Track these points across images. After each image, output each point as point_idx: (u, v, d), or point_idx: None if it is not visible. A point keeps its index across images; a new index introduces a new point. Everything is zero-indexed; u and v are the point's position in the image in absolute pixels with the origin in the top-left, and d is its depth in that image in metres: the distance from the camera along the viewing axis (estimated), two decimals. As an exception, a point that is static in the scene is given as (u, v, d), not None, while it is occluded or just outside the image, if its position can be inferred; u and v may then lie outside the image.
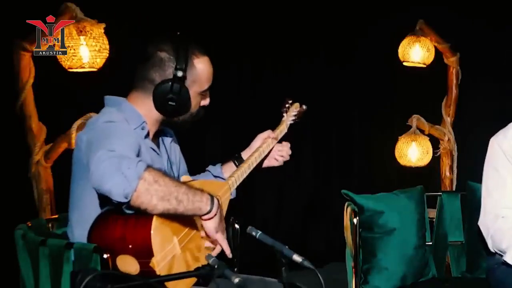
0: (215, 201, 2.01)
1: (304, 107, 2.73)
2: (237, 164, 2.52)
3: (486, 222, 2.79)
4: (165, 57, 2.15)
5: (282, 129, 2.64)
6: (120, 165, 1.81)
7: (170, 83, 2.13)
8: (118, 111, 2.14)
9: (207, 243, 2.15)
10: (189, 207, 1.93)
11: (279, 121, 2.70)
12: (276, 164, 2.63)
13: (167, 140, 2.36)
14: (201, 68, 2.21)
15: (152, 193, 1.84)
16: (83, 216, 2.06)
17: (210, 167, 2.56)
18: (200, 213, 1.99)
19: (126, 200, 1.82)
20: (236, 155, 2.56)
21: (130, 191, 1.81)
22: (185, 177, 2.17)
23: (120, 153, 1.85)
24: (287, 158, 2.63)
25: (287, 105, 2.69)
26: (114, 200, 1.83)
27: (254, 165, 2.49)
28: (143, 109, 2.18)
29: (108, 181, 1.80)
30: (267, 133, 2.58)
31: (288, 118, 2.67)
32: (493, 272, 2.79)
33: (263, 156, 2.54)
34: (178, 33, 2.23)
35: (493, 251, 2.76)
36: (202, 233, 2.12)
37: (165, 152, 2.32)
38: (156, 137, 2.31)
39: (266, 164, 2.62)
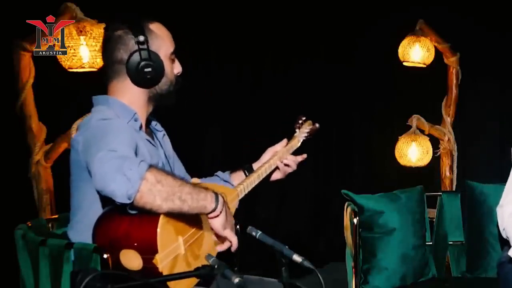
0: (220, 198, 2.01)
1: (317, 125, 2.74)
2: (247, 174, 2.52)
3: (503, 214, 2.79)
4: (121, 33, 2.15)
5: (294, 144, 2.64)
6: (122, 166, 1.81)
7: (137, 52, 2.13)
8: (108, 108, 2.14)
9: (219, 245, 2.16)
10: (193, 205, 1.94)
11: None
12: (279, 176, 2.61)
13: (159, 134, 2.36)
14: (158, 30, 2.20)
15: (155, 194, 1.85)
16: (86, 218, 2.05)
17: (219, 173, 2.56)
18: (206, 211, 1.99)
19: (129, 201, 1.82)
20: (247, 165, 2.56)
21: (133, 192, 1.81)
22: (194, 180, 2.17)
23: (122, 153, 1.85)
24: (294, 167, 2.61)
25: (300, 121, 2.70)
26: (118, 202, 1.83)
27: (264, 175, 2.50)
28: (127, 98, 2.18)
29: (111, 183, 1.80)
30: (278, 146, 2.59)
31: (301, 134, 2.68)
32: (503, 266, 2.78)
33: (273, 167, 2.55)
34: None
35: (505, 237, 2.77)
36: (212, 234, 2.13)
37: (160, 146, 2.33)
38: (149, 130, 2.31)
39: (273, 177, 2.62)
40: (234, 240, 2.13)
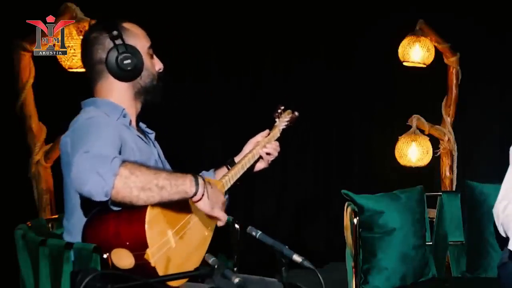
0: (200, 181, 2.00)
1: (296, 113, 2.73)
2: (230, 168, 2.51)
3: (497, 209, 2.79)
4: (96, 34, 2.19)
5: (275, 133, 2.65)
6: (95, 165, 1.83)
7: (114, 47, 2.16)
8: (96, 108, 2.16)
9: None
10: (173, 191, 1.93)
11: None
12: (263, 165, 2.61)
13: (151, 136, 2.37)
14: (132, 27, 2.23)
15: (131, 186, 1.86)
16: (81, 220, 2.05)
17: (203, 172, 2.55)
18: (187, 196, 1.98)
19: (106, 198, 1.84)
20: (230, 160, 2.56)
21: (108, 189, 1.83)
22: None
23: (95, 153, 1.86)
24: (275, 154, 2.60)
25: (279, 111, 2.70)
26: (96, 200, 1.84)
27: (248, 166, 2.49)
28: (114, 97, 2.20)
29: (86, 183, 1.83)
30: (259, 136, 2.59)
31: (281, 123, 2.68)
32: (505, 267, 2.78)
33: (256, 157, 2.54)
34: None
35: (504, 235, 2.76)
36: (198, 217, 2.13)
37: (153, 145, 2.34)
38: (140, 129, 2.32)
39: (257, 167, 2.61)
40: (223, 218, 2.11)
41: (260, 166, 2.60)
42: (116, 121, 2.15)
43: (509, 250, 2.71)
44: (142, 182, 1.87)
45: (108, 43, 2.16)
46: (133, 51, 2.17)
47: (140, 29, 2.26)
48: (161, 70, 2.28)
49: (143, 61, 2.20)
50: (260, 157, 2.57)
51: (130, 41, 2.19)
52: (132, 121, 2.23)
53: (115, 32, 2.15)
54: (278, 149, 2.60)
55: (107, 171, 1.82)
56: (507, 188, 2.83)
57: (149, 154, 2.24)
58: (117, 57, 2.15)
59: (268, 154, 2.57)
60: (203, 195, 2.01)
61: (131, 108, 2.24)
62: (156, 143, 2.38)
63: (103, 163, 1.83)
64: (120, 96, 2.20)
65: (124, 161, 1.87)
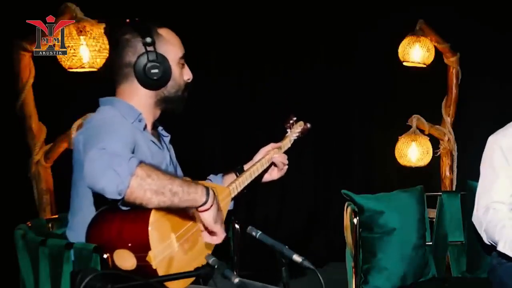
0: (211, 192, 2.01)
1: (308, 125, 2.73)
2: (238, 175, 2.51)
3: (478, 217, 2.82)
4: (129, 36, 2.17)
5: (285, 143, 2.65)
6: (112, 162, 1.82)
7: (145, 54, 2.15)
8: (113, 108, 2.16)
9: (207, 236, 2.12)
10: (184, 198, 1.93)
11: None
12: (271, 178, 2.60)
13: (166, 139, 2.37)
14: (167, 34, 2.22)
15: (146, 188, 1.85)
16: (87, 219, 2.05)
17: (211, 176, 2.56)
18: (196, 204, 1.98)
19: (120, 197, 1.83)
20: (239, 167, 2.56)
21: (124, 188, 1.82)
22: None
23: (111, 150, 1.86)
24: (281, 166, 2.60)
25: (291, 121, 2.69)
26: (109, 198, 1.84)
27: (256, 174, 2.49)
28: (134, 100, 2.19)
29: (101, 179, 1.82)
30: (269, 146, 2.59)
31: (292, 134, 2.69)
32: (495, 271, 2.80)
33: (265, 166, 2.54)
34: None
35: (489, 243, 2.77)
36: (201, 226, 2.11)
37: (167, 149, 2.33)
38: (156, 132, 2.31)
39: (266, 178, 2.61)
40: (222, 236, 2.10)
41: (268, 177, 2.61)
42: (131, 124, 2.15)
43: (499, 252, 2.71)
44: (157, 186, 1.87)
45: (140, 48, 2.15)
46: (162, 61, 2.17)
47: (175, 37, 2.24)
48: (189, 80, 2.28)
49: (171, 72, 2.20)
50: (271, 166, 2.57)
51: (162, 48, 2.17)
52: (147, 126, 2.23)
53: (148, 39, 2.14)
54: (286, 161, 2.60)
55: (124, 170, 1.81)
56: (479, 194, 2.87)
57: (161, 159, 2.24)
58: (145, 64, 2.15)
59: (274, 164, 2.57)
60: (211, 206, 2.01)
61: (149, 114, 2.23)
62: (170, 147, 2.38)
63: (121, 161, 1.83)
64: (141, 102, 2.20)
65: (141, 162, 1.87)
